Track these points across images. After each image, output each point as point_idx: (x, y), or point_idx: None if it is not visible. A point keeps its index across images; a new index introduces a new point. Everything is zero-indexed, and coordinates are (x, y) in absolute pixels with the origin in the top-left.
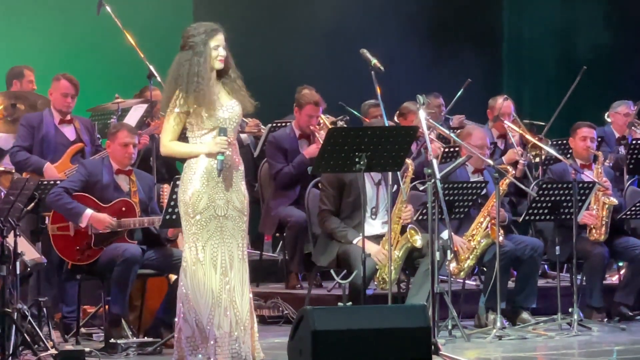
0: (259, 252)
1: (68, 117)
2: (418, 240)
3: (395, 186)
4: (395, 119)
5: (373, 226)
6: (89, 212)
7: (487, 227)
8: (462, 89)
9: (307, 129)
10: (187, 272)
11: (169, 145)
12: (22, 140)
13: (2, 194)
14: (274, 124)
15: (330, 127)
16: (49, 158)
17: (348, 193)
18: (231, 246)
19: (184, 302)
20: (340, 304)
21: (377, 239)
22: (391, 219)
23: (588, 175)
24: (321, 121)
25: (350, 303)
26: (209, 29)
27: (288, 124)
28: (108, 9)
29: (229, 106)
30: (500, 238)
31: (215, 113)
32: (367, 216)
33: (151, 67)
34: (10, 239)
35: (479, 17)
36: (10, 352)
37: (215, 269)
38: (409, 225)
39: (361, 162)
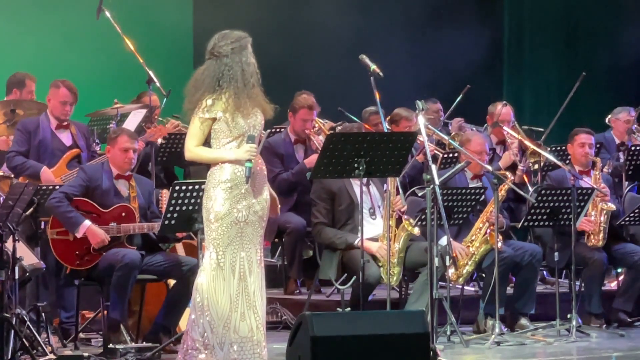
0: None
1: (65, 123)
2: (415, 229)
3: (385, 185)
4: (387, 125)
5: (375, 225)
6: (87, 223)
7: (486, 233)
8: (461, 95)
9: (302, 133)
10: (206, 277)
11: (194, 150)
12: (18, 145)
13: (1, 198)
14: (273, 130)
15: (328, 132)
16: (45, 163)
17: (339, 201)
18: (250, 251)
19: (197, 308)
20: (339, 309)
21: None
22: (387, 215)
23: (586, 182)
24: (316, 125)
25: (349, 309)
26: (243, 36)
27: (283, 129)
28: (107, 14)
29: (252, 114)
30: (499, 244)
31: (241, 120)
32: (366, 217)
33: (150, 73)
34: (9, 244)
35: (480, 20)
36: (9, 357)
37: (233, 274)
38: (404, 217)
39: (360, 168)
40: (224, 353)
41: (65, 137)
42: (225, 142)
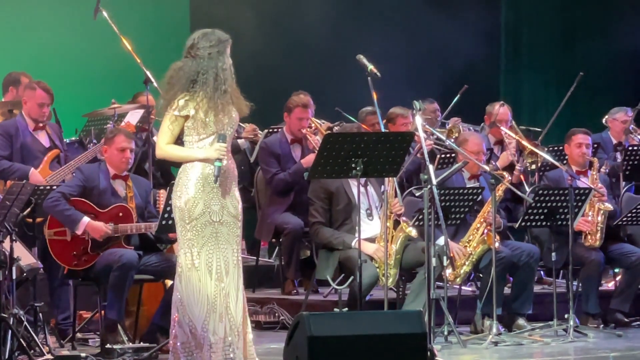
0: (255, 257)
1: (41, 124)
2: (412, 230)
3: (383, 187)
4: (383, 125)
5: (371, 226)
6: (85, 219)
7: (483, 233)
8: (458, 95)
9: (298, 132)
10: (182, 278)
11: (165, 148)
12: (1, 150)
13: None
14: (270, 130)
15: (326, 132)
16: (29, 165)
17: (337, 201)
18: (226, 252)
19: (179, 308)
20: (336, 309)
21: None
22: (385, 217)
23: (584, 182)
24: (313, 125)
25: (346, 309)
26: (224, 38)
27: (280, 129)
28: (105, 14)
29: (227, 112)
30: (497, 244)
31: (214, 118)
32: (363, 218)
33: (148, 73)
34: (6, 244)
35: (477, 20)
36: (7, 357)
37: (210, 274)
38: (402, 219)
39: (358, 168)
40: (202, 354)
41: (44, 139)
42: (198, 139)
